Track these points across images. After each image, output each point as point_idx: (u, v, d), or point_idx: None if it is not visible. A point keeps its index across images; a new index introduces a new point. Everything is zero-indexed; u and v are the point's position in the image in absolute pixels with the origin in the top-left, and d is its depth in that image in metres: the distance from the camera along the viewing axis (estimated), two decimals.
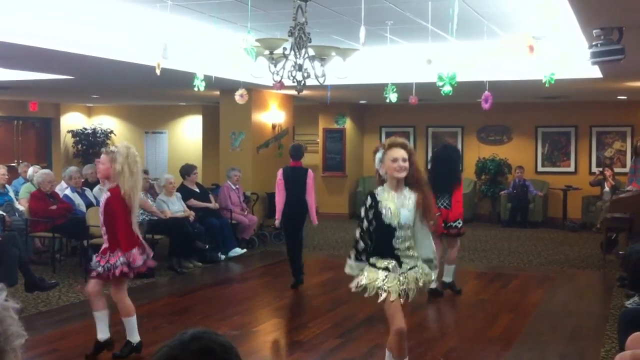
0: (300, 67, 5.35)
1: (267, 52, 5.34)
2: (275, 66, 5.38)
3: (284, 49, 5.40)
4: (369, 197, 4.30)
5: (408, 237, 4.26)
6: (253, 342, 6.19)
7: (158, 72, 6.44)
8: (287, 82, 5.49)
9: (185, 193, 10.06)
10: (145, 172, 9.96)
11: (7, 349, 1.33)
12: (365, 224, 4.28)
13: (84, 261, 8.65)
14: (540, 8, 6.71)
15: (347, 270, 4.40)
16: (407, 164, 4.22)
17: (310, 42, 5.42)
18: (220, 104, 12.35)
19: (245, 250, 10.43)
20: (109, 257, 5.28)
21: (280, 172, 8.22)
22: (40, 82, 10.58)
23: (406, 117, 15.32)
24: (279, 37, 5.71)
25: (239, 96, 7.87)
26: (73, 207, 9.25)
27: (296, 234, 8.30)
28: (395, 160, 4.21)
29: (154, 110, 17.09)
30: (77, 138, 16.70)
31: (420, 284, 4.30)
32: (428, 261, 4.39)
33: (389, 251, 4.25)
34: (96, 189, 9.67)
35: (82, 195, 9.65)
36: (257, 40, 5.43)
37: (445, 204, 7.60)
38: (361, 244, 4.31)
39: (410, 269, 4.26)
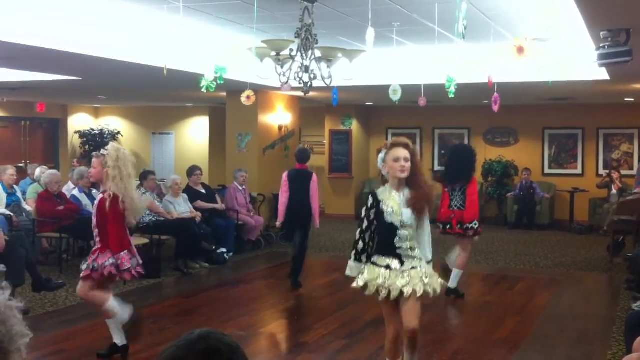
0: (306, 69, 5.36)
1: (273, 53, 5.35)
2: (282, 67, 5.39)
3: (291, 50, 5.41)
4: (370, 197, 4.32)
5: (410, 236, 4.25)
6: (259, 343, 6.20)
7: (165, 72, 6.46)
8: (294, 84, 5.50)
9: (192, 194, 10.08)
10: (152, 173, 9.98)
11: (11, 349, 1.33)
12: (366, 223, 4.29)
13: None
14: (547, 10, 6.69)
15: (347, 272, 4.41)
16: (409, 164, 4.22)
17: (316, 43, 5.43)
18: (227, 106, 12.38)
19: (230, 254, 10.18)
20: (97, 256, 5.23)
21: (285, 175, 8.30)
22: (48, 83, 10.62)
23: (412, 118, 15.31)
24: (285, 38, 5.72)
25: (246, 98, 7.88)
26: (80, 208, 9.28)
27: (300, 236, 8.35)
28: (397, 160, 4.22)
29: (160, 111, 17.13)
30: (85, 139, 16.75)
31: (428, 288, 4.26)
32: (430, 262, 4.39)
33: (390, 250, 4.25)
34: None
35: (90, 196, 9.68)
36: (263, 42, 5.44)
37: (459, 205, 7.50)
38: (360, 244, 4.32)
39: (412, 268, 4.26)
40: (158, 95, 13.92)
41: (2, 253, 6.89)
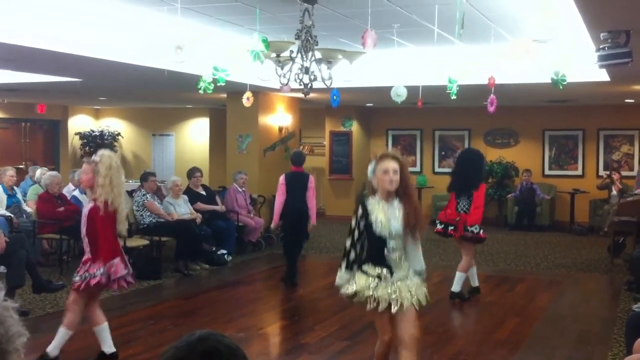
0: (307, 70, 5.36)
1: (274, 54, 5.36)
2: (282, 69, 5.40)
3: (291, 51, 5.41)
4: (359, 207, 4.32)
5: (399, 247, 4.25)
6: (259, 345, 6.20)
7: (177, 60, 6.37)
8: (294, 85, 5.50)
9: (192, 196, 10.08)
10: (152, 174, 9.98)
11: (9, 349, 1.33)
12: (357, 234, 4.29)
13: None
14: (547, 11, 6.70)
15: (338, 281, 4.40)
16: (397, 177, 4.21)
17: (317, 45, 5.43)
18: (227, 107, 12.37)
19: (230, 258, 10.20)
20: (88, 266, 5.12)
21: (282, 177, 8.51)
22: (48, 84, 10.62)
23: (413, 120, 15.31)
24: (286, 40, 5.72)
25: (246, 99, 7.89)
26: (80, 209, 9.27)
27: (296, 238, 8.48)
28: (386, 172, 4.22)
29: (161, 112, 17.13)
30: (85, 140, 16.75)
31: (414, 300, 4.24)
32: (418, 274, 4.36)
33: (380, 260, 4.25)
34: None
35: None
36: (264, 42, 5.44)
37: (464, 209, 7.55)
38: (352, 255, 4.32)
39: (401, 279, 4.24)
40: (158, 97, 13.92)
41: (3, 254, 6.88)
